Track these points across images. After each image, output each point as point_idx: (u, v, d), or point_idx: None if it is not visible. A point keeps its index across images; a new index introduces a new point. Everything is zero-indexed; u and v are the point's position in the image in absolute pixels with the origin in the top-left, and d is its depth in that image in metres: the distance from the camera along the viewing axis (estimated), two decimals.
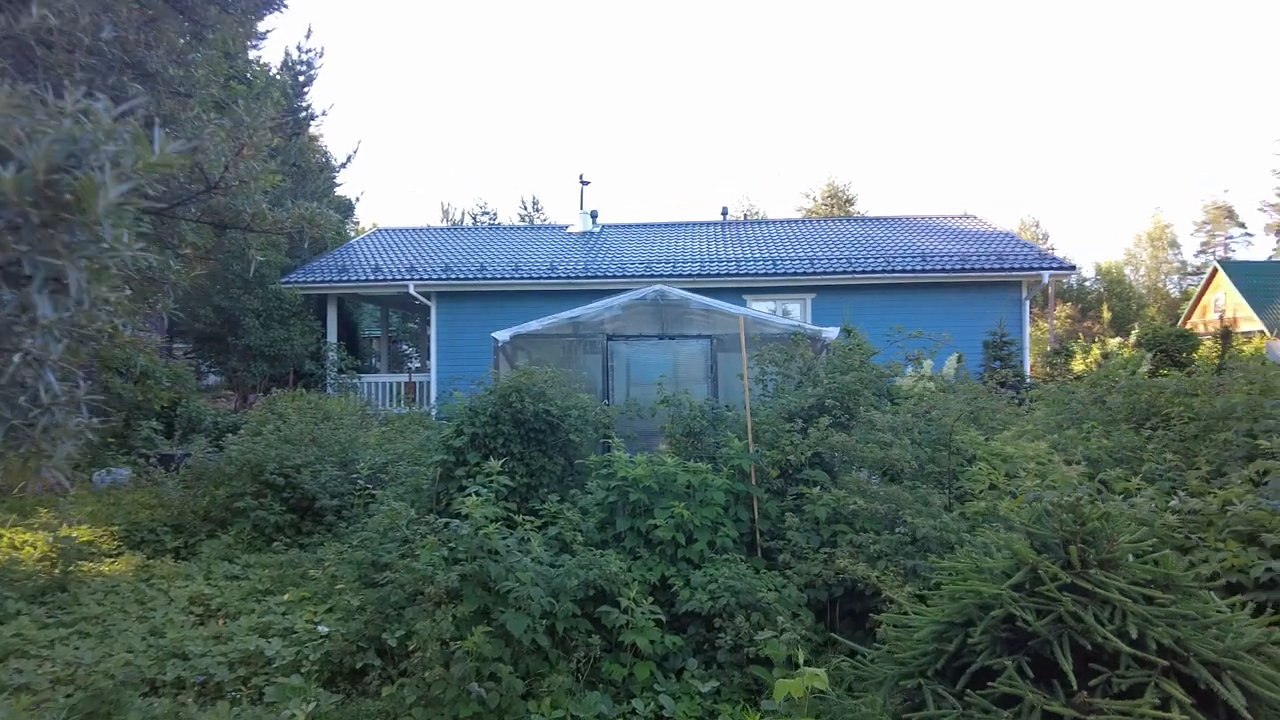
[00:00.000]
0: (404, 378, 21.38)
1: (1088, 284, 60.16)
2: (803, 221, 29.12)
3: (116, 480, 10.96)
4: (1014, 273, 19.55)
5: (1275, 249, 65.46)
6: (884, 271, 19.66)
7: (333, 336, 21.60)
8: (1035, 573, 2.77)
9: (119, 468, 11.92)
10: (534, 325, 8.06)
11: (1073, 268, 19.90)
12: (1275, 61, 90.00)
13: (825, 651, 4.53)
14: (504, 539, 4.38)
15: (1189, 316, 46.24)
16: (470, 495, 4.48)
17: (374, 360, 29.18)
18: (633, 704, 4.09)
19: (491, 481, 4.97)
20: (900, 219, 25.83)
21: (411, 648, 4.06)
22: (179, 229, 6.42)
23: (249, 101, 5.81)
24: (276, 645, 5.20)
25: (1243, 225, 69.62)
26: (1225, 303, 43.65)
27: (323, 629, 5.06)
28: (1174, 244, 69.36)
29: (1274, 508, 4.55)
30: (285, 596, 6.57)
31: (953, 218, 25.49)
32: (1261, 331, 35.80)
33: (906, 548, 4.50)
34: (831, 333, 7.86)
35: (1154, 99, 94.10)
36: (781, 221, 28.00)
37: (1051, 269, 19.55)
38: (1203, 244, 70.61)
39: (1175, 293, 66.33)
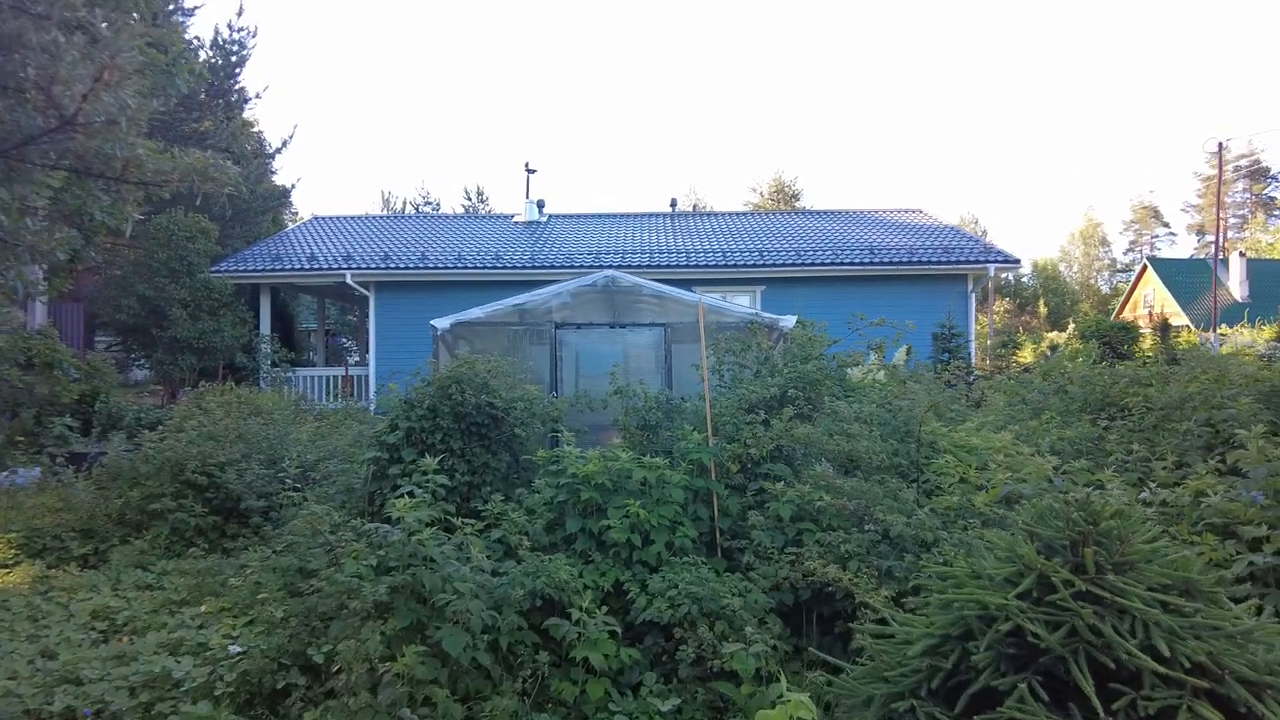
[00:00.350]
0: (340, 371, 20.57)
1: (1024, 280, 61.78)
2: (751, 214, 29.03)
3: (17, 481, 10.11)
4: (960, 265, 19.69)
5: (1196, 248, 68.57)
6: (833, 264, 19.62)
7: (266, 328, 20.65)
8: (1044, 579, 2.46)
9: (27, 467, 11.01)
10: (476, 313, 7.58)
11: (1017, 261, 20.12)
12: (1197, 68, 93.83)
13: (793, 661, 4.21)
14: (440, 545, 3.93)
15: (1121, 311, 47.76)
16: (403, 496, 4.02)
17: (310, 354, 28.16)
18: None
19: (428, 481, 4.51)
20: (848, 213, 25.89)
21: (335, 668, 3.59)
22: (31, 175, 5.68)
23: (108, 11, 5.11)
24: (187, 665, 4.65)
25: (1167, 225, 72.86)
26: (1154, 298, 45.26)
27: (234, 648, 4.54)
28: (1105, 242, 72.01)
29: (1253, 499, 4.39)
30: (202, 608, 5.99)
31: (899, 212, 25.65)
32: (1187, 326, 37.09)
33: (879, 547, 4.20)
34: (789, 321, 7.57)
35: (1086, 100, 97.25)
36: (730, 214, 27.84)
37: (997, 262, 19.76)
38: (1131, 242, 73.61)
39: (1106, 289, 68.75)
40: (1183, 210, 74.15)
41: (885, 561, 4.05)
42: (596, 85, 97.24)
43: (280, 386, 18.53)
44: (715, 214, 27.32)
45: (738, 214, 28.12)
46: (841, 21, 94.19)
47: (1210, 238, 69.20)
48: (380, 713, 3.31)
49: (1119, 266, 72.12)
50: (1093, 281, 70.00)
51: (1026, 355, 19.42)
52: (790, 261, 19.76)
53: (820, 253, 20.26)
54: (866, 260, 19.67)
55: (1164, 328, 18.73)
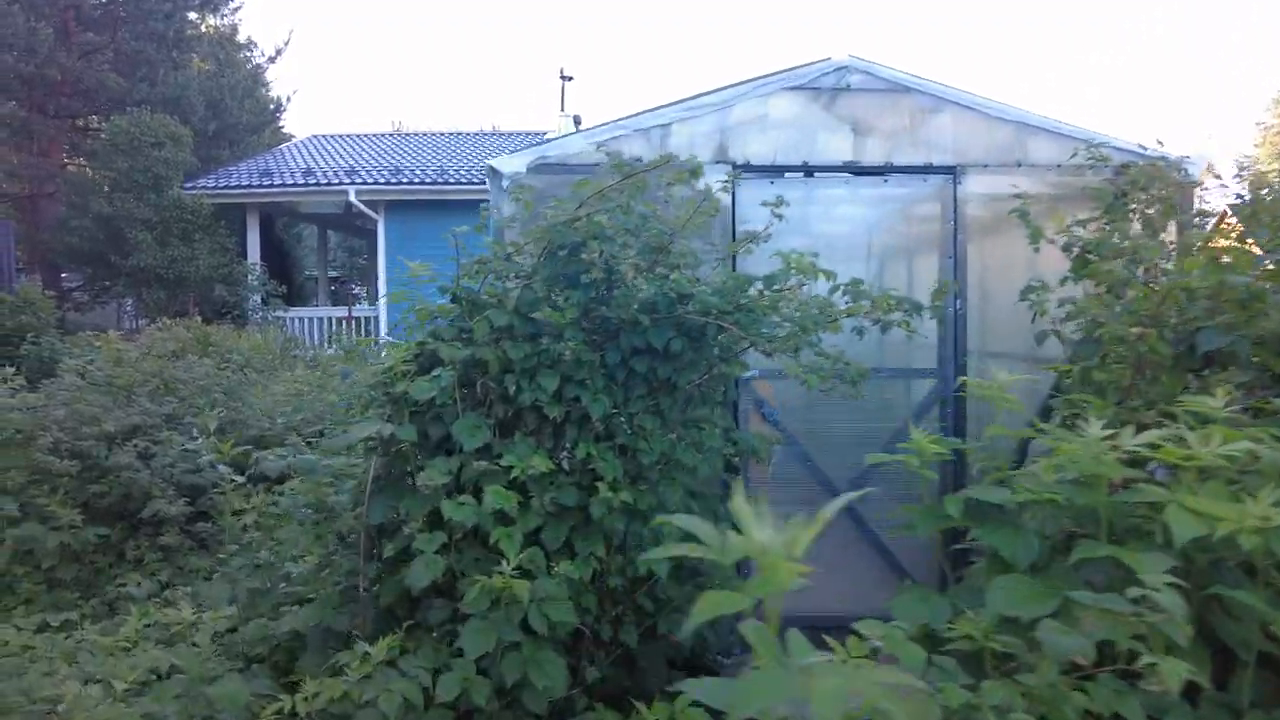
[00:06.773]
0: (343, 312, 16.83)
1: None
2: None
3: None
4: None
5: None
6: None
7: (255, 257, 16.81)
8: None
9: None
10: (577, 143, 3.81)
11: None
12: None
13: None
14: None
15: None
16: None
17: (314, 301, 24.39)
18: None
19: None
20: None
21: None
22: None
23: None
24: None
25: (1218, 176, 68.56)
26: None
27: None
28: None
29: None
30: None
31: None
32: None
33: None
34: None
35: (1148, 40, 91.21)
36: None
37: None
38: None
39: None
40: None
41: None
42: None
43: (270, 328, 14.82)
44: None
45: None
46: None
47: None
48: None
49: None
50: None
51: None
52: None
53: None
54: None
55: None
